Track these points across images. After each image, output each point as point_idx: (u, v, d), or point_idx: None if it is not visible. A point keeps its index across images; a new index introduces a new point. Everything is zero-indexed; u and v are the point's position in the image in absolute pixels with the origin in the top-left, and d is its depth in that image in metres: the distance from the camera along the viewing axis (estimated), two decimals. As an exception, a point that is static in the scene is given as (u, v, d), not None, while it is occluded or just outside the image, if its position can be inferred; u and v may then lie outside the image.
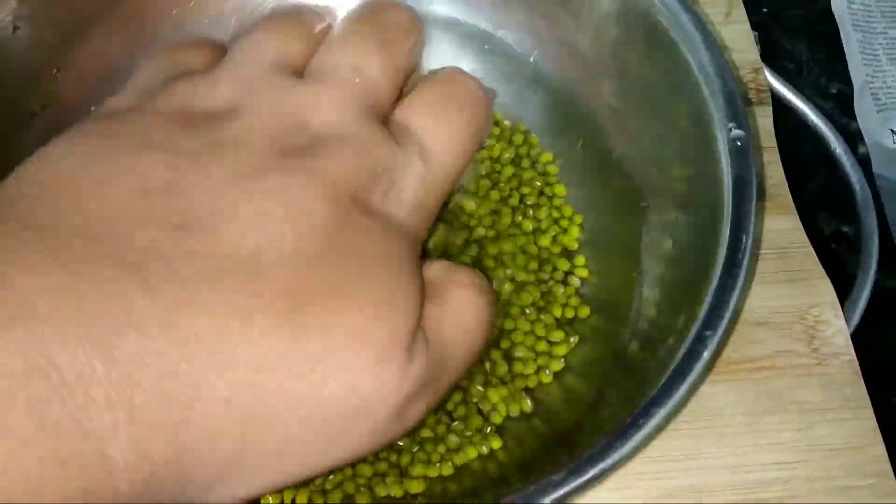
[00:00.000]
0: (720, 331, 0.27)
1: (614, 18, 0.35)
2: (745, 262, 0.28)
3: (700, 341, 0.26)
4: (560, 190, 0.37)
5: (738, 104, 0.31)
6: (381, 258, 0.24)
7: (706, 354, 0.26)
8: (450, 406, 0.32)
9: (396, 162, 0.26)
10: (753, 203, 0.29)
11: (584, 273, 0.36)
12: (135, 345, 0.20)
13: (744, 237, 0.28)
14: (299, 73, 0.27)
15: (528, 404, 0.33)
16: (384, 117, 0.27)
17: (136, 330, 0.20)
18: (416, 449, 0.32)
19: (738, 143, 0.30)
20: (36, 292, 0.19)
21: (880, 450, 0.32)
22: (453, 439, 0.32)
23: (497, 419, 0.32)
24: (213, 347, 0.21)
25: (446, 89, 0.28)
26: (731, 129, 0.30)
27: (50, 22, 0.35)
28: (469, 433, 0.32)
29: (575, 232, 0.36)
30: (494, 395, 0.33)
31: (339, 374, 0.22)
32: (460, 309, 0.25)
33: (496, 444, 0.32)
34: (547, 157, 0.38)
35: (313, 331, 0.22)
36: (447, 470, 0.31)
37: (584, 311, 0.35)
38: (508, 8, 0.38)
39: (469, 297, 0.25)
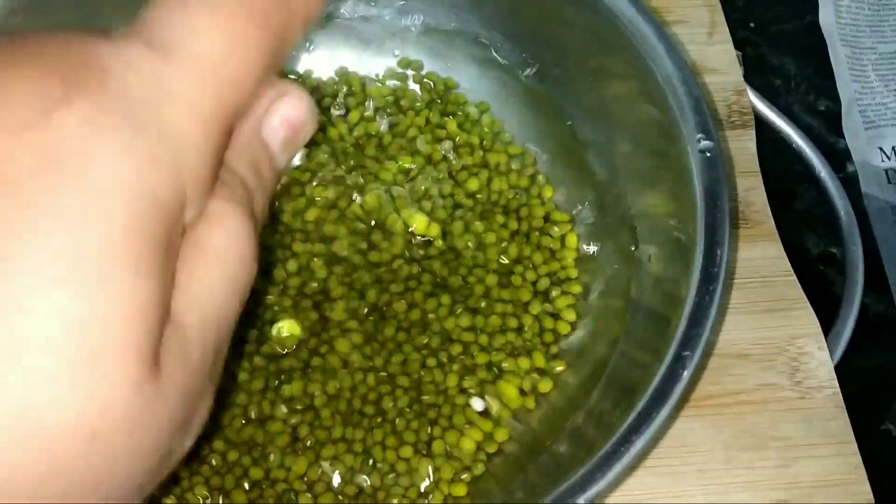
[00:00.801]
0: (699, 349, 0.26)
1: (580, 27, 0.34)
2: (721, 278, 0.27)
3: (679, 361, 0.26)
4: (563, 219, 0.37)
5: (705, 113, 0.30)
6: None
7: (686, 374, 0.26)
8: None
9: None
10: (727, 216, 0.29)
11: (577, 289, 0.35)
12: None
13: (718, 252, 0.28)
14: None
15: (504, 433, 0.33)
16: None
17: None
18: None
19: (708, 154, 0.29)
20: None
21: (864, 486, 0.32)
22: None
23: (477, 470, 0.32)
24: None
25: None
26: (699, 140, 0.29)
27: None
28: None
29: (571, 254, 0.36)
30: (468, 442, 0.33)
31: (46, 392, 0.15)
32: (224, 257, 0.18)
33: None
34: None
35: None
36: None
37: (564, 328, 0.35)
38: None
39: (231, 235, 0.18)
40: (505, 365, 0.33)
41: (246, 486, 0.32)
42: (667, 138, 0.31)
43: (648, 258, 0.32)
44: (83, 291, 0.15)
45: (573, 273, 0.35)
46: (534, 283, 0.35)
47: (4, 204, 0.14)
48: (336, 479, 0.32)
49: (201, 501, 0.31)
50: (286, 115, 0.20)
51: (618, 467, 0.26)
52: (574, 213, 0.37)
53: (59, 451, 0.15)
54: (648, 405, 0.26)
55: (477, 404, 0.33)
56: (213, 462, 0.32)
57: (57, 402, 0.15)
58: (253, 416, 0.33)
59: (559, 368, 0.34)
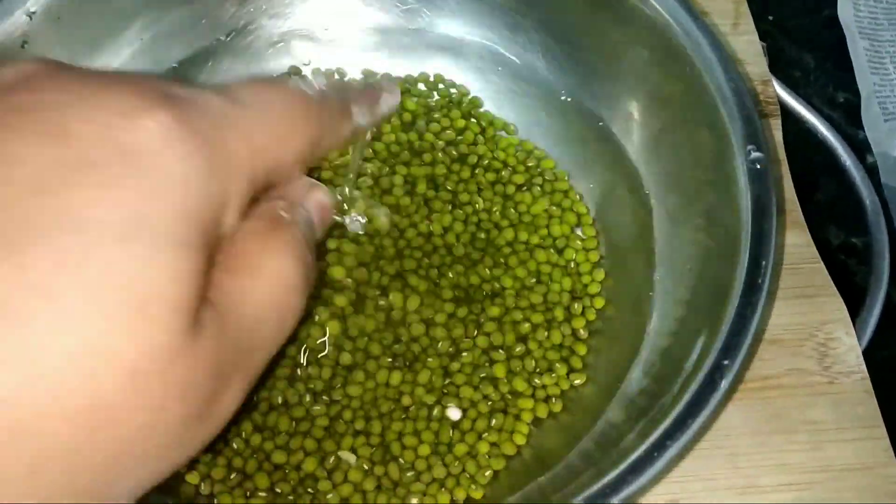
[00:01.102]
0: (738, 361, 0.26)
1: (630, 38, 0.35)
2: (765, 290, 0.27)
3: (718, 370, 0.26)
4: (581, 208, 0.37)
5: (757, 125, 0.30)
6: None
7: (724, 384, 0.26)
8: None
9: None
10: (773, 228, 0.29)
11: (599, 303, 0.36)
12: None
13: (763, 263, 0.28)
14: None
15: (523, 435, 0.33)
16: None
17: None
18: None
19: (758, 167, 0.29)
20: None
21: (893, 469, 0.32)
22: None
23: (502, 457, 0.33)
24: None
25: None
26: (750, 152, 0.29)
27: (60, 39, 0.34)
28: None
29: (594, 256, 0.36)
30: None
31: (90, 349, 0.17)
32: (274, 280, 0.21)
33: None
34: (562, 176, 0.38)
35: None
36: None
37: (582, 349, 0.35)
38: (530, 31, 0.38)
39: (284, 267, 0.21)
40: (525, 380, 0.34)
41: (267, 469, 0.32)
42: (714, 147, 0.31)
43: (689, 268, 0.33)
44: (139, 252, 0.17)
45: (595, 289, 0.36)
46: (556, 300, 0.35)
47: (87, 179, 0.18)
48: (355, 470, 0.32)
49: (223, 479, 0.32)
50: (319, 201, 0.24)
51: (649, 473, 0.26)
52: (595, 214, 0.37)
53: (104, 384, 0.17)
54: (685, 410, 0.27)
55: (454, 413, 0.33)
56: (236, 445, 0.32)
57: (106, 338, 0.17)
58: (279, 401, 0.33)
59: (578, 381, 0.34)
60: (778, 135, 0.39)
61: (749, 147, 0.30)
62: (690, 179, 0.33)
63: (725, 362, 0.26)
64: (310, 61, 0.40)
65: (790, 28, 0.47)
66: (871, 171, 0.43)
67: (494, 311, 0.35)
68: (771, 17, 0.48)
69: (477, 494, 0.32)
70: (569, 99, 0.37)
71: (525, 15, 0.37)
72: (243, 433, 0.33)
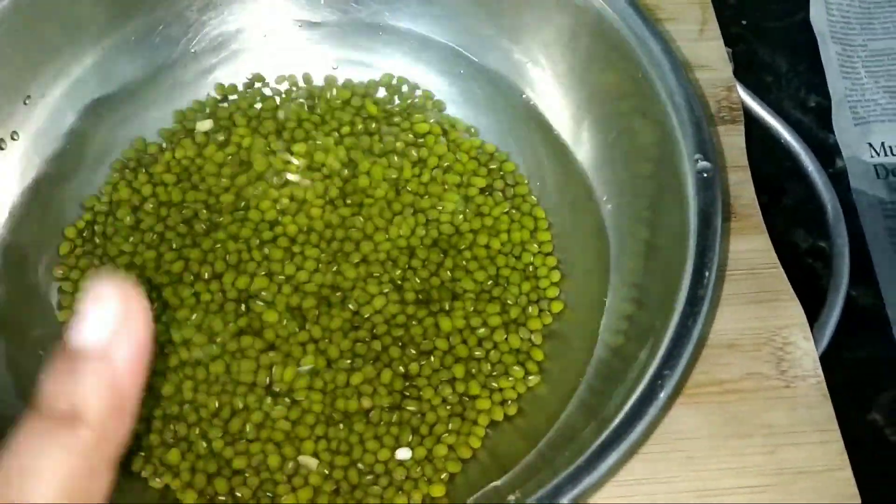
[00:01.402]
0: (679, 370, 0.27)
1: (584, 44, 0.35)
2: (707, 300, 0.27)
3: (658, 379, 0.26)
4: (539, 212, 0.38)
5: (706, 134, 0.30)
6: None
7: (662, 396, 0.26)
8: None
9: None
10: (718, 238, 0.29)
11: (557, 306, 0.36)
12: None
13: (707, 273, 0.28)
14: None
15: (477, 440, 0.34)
16: None
17: None
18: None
19: (705, 176, 0.30)
20: None
21: (847, 473, 0.32)
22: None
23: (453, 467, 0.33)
24: None
25: None
26: (697, 161, 0.30)
27: (17, 48, 0.35)
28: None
29: (551, 261, 0.37)
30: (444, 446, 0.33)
31: None
32: None
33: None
34: (521, 181, 0.38)
35: None
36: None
37: (539, 355, 0.35)
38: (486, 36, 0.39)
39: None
40: (483, 382, 0.34)
41: (227, 475, 0.32)
42: (663, 155, 0.31)
43: (638, 274, 0.33)
44: None
45: (553, 293, 0.36)
46: (513, 302, 0.36)
47: None
48: (315, 474, 0.32)
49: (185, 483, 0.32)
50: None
51: (588, 481, 0.26)
52: (552, 220, 0.37)
53: None
54: (624, 420, 0.27)
55: (403, 454, 0.33)
56: (198, 450, 0.33)
57: None
58: (240, 405, 0.34)
59: (533, 380, 0.34)
60: (741, 140, 0.39)
61: (696, 156, 0.30)
62: (640, 186, 0.33)
63: (666, 372, 0.27)
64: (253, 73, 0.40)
65: (763, 32, 0.48)
66: (841, 176, 0.43)
67: (455, 313, 0.35)
68: (744, 22, 0.48)
69: (436, 491, 0.32)
70: (531, 102, 0.38)
71: (487, 18, 0.38)
72: (206, 437, 0.33)
